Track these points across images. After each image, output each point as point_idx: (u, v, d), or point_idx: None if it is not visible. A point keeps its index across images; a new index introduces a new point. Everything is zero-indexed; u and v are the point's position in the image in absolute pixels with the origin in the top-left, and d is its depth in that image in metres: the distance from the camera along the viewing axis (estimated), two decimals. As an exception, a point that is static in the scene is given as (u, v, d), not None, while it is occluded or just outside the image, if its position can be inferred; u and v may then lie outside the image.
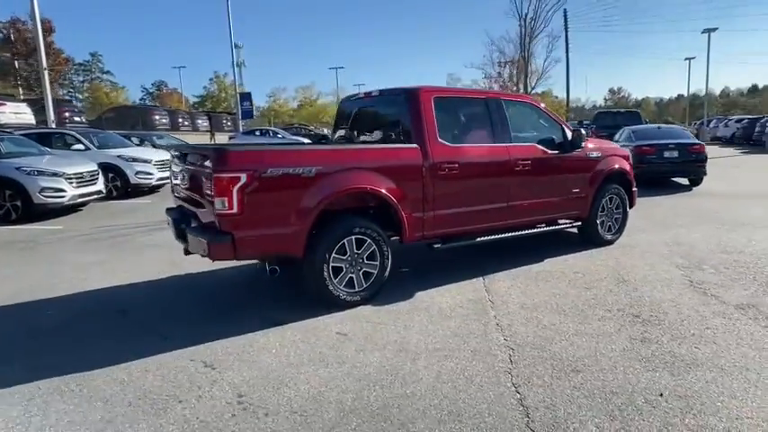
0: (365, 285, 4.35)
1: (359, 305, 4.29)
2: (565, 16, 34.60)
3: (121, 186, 11.49)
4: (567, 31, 34.01)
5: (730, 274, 4.99)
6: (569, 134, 5.73)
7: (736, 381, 2.96)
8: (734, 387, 2.89)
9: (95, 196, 9.91)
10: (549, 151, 5.51)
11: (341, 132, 5.80)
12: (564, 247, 6.09)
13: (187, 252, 4.60)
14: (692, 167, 11.41)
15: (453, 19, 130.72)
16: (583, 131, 5.76)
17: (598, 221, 6.16)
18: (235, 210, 3.70)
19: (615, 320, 3.90)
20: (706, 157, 11.47)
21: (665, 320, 3.87)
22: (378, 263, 4.39)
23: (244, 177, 3.70)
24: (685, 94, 59.64)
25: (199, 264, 5.64)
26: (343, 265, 4.23)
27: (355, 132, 5.53)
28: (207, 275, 5.39)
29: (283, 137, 27.22)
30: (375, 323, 3.96)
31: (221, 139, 28.28)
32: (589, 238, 6.21)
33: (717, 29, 37.45)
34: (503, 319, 3.99)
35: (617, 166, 6.25)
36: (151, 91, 68.45)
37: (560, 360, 3.28)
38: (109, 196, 10.78)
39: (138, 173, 11.53)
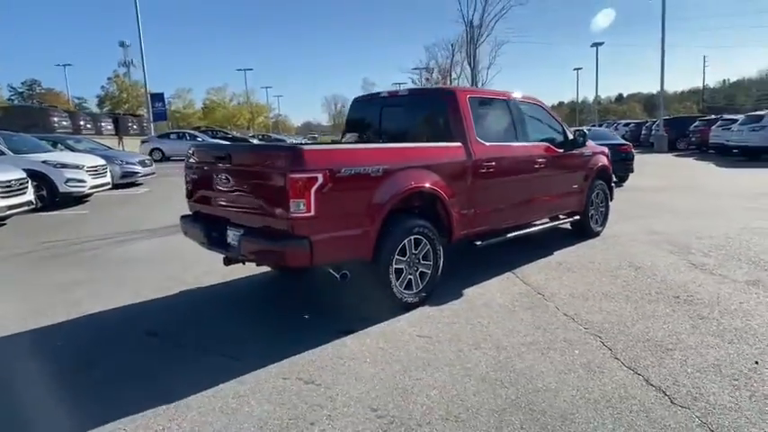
0: (421, 286, 4.26)
1: (418, 306, 4.20)
2: (471, 26, 36.77)
3: (48, 196, 10.13)
4: (468, 45, 36.40)
5: (717, 256, 5.58)
6: (569, 134, 6.08)
7: (804, 346, 3.34)
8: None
9: (25, 208, 8.62)
10: (557, 150, 5.80)
11: (354, 133, 5.63)
12: (560, 240, 6.43)
13: (229, 262, 4.20)
14: (621, 166, 12.57)
15: (372, 22, 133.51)
16: (586, 131, 6.13)
17: (589, 215, 6.60)
18: (312, 212, 3.45)
19: (663, 303, 4.20)
20: (633, 156, 12.73)
21: (703, 299, 4.24)
22: (431, 263, 4.33)
23: (320, 178, 3.46)
24: (565, 102, 65.37)
25: (201, 276, 5.25)
26: (403, 267, 4.11)
27: (379, 132, 5.40)
28: (221, 288, 4.98)
29: (203, 140, 25.78)
30: (447, 323, 3.90)
31: (132, 144, 25.98)
32: (582, 231, 6.62)
33: (603, 43, 41.77)
34: (565, 309, 4.13)
35: (602, 162, 6.74)
36: (21, 90, 61.34)
37: (648, 341, 3.46)
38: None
39: (68, 180, 10.24)
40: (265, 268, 5.26)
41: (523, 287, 4.71)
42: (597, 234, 6.73)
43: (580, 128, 7.50)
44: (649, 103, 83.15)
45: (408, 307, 4.13)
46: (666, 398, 2.75)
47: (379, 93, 5.61)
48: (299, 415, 2.70)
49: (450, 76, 21.02)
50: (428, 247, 4.28)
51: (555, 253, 5.91)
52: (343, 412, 2.71)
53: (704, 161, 19.25)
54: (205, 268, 5.39)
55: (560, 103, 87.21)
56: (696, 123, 25.13)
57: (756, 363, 3.11)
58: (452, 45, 18.02)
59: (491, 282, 4.87)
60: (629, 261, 5.48)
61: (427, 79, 23.65)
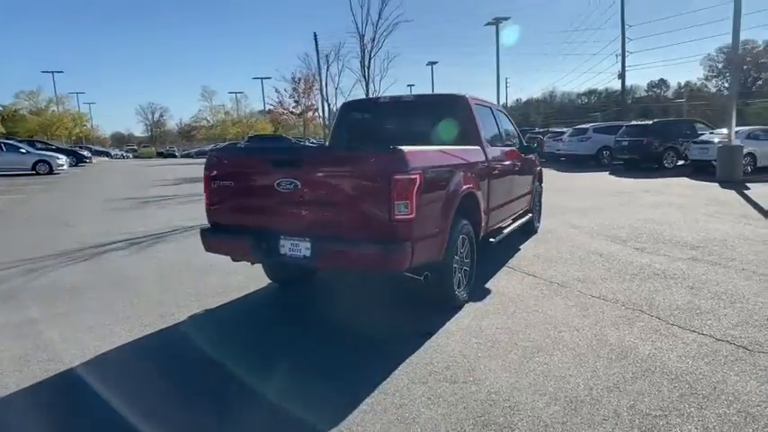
0: (465, 283, 4.44)
1: (465, 303, 4.37)
2: (315, 40, 37.50)
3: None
4: (318, 53, 37.06)
5: (646, 242, 6.74)
6: (523, 140, 6.82)
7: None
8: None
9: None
10: (521, 153, 6.47)
11: (346, 136, 5.55)
12: (508, 238, 7.13)
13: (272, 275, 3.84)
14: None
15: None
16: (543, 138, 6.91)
17: (534, 213, 7.44)
18: (413, 214, 3.42)
19: (651, 279, 5.01)
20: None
21: (675, 274, 5.13)
22: (470, 260, 4.53)
23: (418, 179, 3.45)
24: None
25: (204, 295, 4.74)
26: (456, 265, 4.25)
27: (379, 137, 5.39)
28: (236, 305, 4.52)
29: (27, 151, 21.85)
30: (506, 314, 4.13)
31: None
32: (527, 228, 7.41)
33: (437, 62, 45.87)
34: (587, 291, 4.67)
35: (539, 166, 7.66)
36: None
37: (674, 307, 4.16)
38: None
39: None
40: (249, 286, 4.89)
41: (532, 278, 5.17)
42: (536, 230, 7.60)
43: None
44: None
45: (460, 305, 4.27)
46: (716, 339, 3.40)
47: (378, 98, 5.63)
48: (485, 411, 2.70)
49: (320, 85, 21.11)
50: (469, 246, 4.48)
51: (520, 248, 6.54)
52: (527, 400, 2.79)
53: (544, 168, 22.54)
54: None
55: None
56: (528, 135, 29.31)
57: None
58: (327, 56, 18.29)
59: (499, 276, 5.25)
60: (587, 250, 6.35)
61: (294, 89, 23.52)
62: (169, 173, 24.61)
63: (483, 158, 4.86)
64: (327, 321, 4.21)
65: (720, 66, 73.17)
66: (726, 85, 72.75)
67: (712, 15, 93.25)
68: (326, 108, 17.44)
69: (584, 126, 23.05)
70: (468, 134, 4.95)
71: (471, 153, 4.65)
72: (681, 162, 18.49)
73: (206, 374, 3.25)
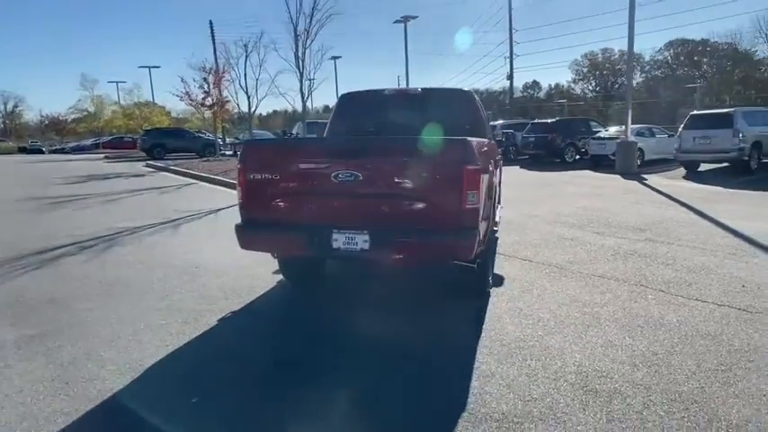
0: (491, 270, 4.69)
1: (489, 292, 4.61)
2: (211, 27, 35.63)
3: None
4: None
5: (599, 227, 7.52)
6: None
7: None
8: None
9: None
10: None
11: (345, 127, 5.52)
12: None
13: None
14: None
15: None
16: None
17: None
18: (480, 203, 3.56)
19: (632, 258, 5.64)
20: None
21: (646, 253, 5.81)
22: (492, 251, 4.79)
23: (482, 169, 3.60)
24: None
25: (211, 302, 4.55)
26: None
27: (381, 128, 5.41)
28: (265, 304, 4.37)
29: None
30: (536, 297, 4.44)
31: None
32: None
33: (341, 56, 45.66)
34: (587, 271, 5.16)
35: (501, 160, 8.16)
36: None
37: (660, 281, 4.76)
38: None
39: None
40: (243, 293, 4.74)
41: (530, 263, 5.57)
42: (500, 220, 8.12)
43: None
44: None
45: (486, 294, 4.49)
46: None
47: (383, 90, 5.60)
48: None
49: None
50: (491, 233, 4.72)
51: (496, 236, 6.97)
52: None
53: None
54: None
55: (275, 112, 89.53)
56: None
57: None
58: (246, 45, 17.37)
59: (500, 263, 5.58)
60: (556, 236, 6.93)
61: (204, 79, 22.08)
62: (57, 171, 21.97)
63: (495, 150, 5.14)
64: (371, 317, 4.21)
65: (585, 70, 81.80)
66: (590, 87, 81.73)
67: (580, 26, 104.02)
68: (247, 100, 16.69)
69: (491, 123, 24.61)
70: (476, 128, 5.18)
71: (492, 146, 4.89)
72: (578, 156, 20.54)
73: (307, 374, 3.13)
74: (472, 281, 4.35)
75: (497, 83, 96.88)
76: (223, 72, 22.29)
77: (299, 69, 13.35)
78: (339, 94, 5.89)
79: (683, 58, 70.52)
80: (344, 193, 3.66)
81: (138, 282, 5.12)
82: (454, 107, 5.38)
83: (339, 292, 4.98)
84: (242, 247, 3.99)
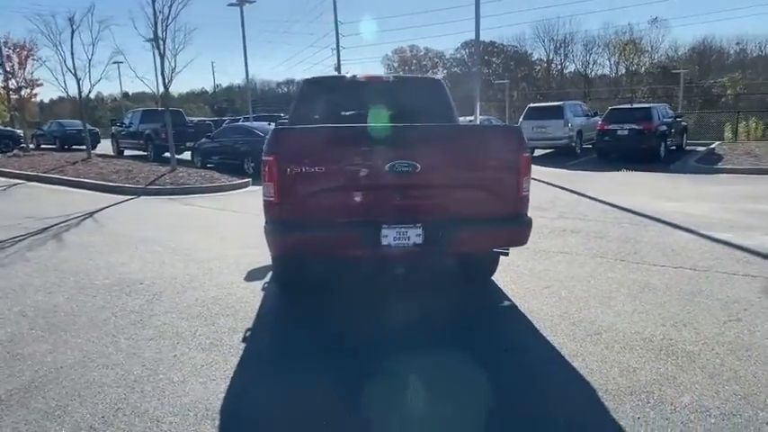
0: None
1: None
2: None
3: None
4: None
5: (565, 214, 8.26)
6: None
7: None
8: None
9: None
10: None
11: (313, 114, 5.08)
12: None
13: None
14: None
15: None
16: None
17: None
18: (529, 191, 3.62)
19: (605, 239, 6.34)
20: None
21: (613, 236, 6.52)
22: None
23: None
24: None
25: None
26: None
27: (351, 116, 5.08)
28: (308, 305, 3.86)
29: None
30: (552, 278, 4.73)
31: None
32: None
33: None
34: (552, 248, 5.64)
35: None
36: None
37: (629, 255, 5.48)
38: None
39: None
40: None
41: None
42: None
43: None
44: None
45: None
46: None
47: (350, 76, 5.21)
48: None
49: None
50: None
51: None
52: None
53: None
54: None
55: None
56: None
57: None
58: (71, 18, 14.03)
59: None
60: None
61: (8, 57, 17.50)
62: None
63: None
64: (404, 311, 4.01)
65: (396, 65, 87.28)
66: None
67: (399, 23, 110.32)
68: (77, 84, 13.62)
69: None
70: (450, 117, 5.22)
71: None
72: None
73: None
74: (484, 267, 4.43)
75: (330, 72, 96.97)
76: (29, 49, 18.18)
77: (159, 50, 11.58)
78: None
79: (476, 56, 79.82)
80: (398, 185, 3.39)
81: (81, 311, 4.00)
82: (426, 95, 5.33)
83: (350, 293, 4.58)
84: (276, 252, 3.43)
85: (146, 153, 18.37)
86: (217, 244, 6.13)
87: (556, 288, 4.38)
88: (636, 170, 12.75)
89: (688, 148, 16.97)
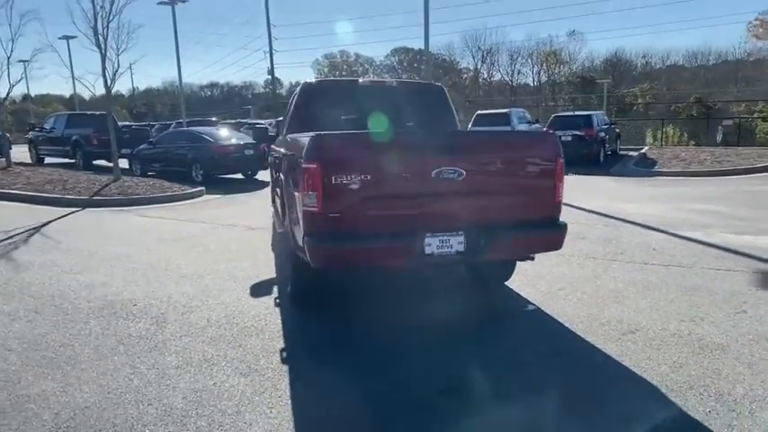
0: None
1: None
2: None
3: None
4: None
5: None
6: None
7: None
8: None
9: None
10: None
11: (307, 116, 4.90)
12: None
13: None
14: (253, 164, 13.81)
15: None
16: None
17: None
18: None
19: (588, 240, 6.54)
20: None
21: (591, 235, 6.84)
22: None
23: (562, 161, 3.72)
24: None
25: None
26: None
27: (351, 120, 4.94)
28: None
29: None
30: (561, 275, 4.82)
31: None
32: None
33: (76, 36, 38.29)
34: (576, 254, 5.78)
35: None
36: None
37: (620, 254, 5.74)
38: None
39: None
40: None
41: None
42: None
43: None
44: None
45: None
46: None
47: (356, 80, 5.05)
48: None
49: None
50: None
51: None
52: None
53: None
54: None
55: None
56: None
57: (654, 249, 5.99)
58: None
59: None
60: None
61: None
62: None
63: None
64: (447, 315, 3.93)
65: (326, 70, 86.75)
66: None
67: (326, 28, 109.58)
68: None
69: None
70: (452, 123, 5.22)
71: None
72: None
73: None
74: (501, 272, 4.46)
75: (258, 76, 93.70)
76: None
77: (99, 48, 10.65)
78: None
79: (405, 64, 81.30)
80: (442, 192, 3.31)
81: (77, 340, 3.54)
82: (430, 99, 5.28)
83: (369, 303, 4.41)
84: (318, 266, 3.23)
85: (72, 161, 16.86)
86: (199, 258, 5.71)
87: (569, 290, 4.49)
88: (582, 174, 13.49)
89: (621, 152, 18.23)
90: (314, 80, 5.22)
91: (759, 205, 8.59)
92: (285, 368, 3.12)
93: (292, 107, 4.96)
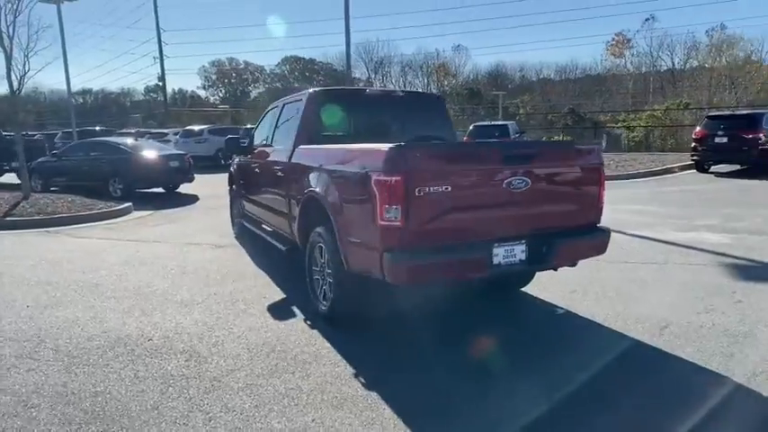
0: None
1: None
2: None
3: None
4: None
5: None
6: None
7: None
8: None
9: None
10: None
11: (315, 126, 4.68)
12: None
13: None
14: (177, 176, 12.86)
15: None
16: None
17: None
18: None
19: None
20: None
21: None
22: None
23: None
24: None
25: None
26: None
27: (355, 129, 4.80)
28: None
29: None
30: (574, 276, 5.00)
31: None
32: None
33: None
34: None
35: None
36: None
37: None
38: None
39: None
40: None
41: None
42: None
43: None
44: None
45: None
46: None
47: (363, 89, 4.82)
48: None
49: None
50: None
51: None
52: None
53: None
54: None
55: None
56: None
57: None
58: None
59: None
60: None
61: None
62: None
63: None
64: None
65: (214, 77, 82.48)
66: (220, 94, 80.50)
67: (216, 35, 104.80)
68: None
69: (197, 128, 22.94)
70: (451, 133, 5.27)
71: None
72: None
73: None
74: (522, 278, 4.57)
75: (146, 82, 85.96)
76: None
77: (3, 49, 9.15)
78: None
79: (297, 73, 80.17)
80: (510, 202, 3.33)
81: (105, 386, 2.99)
82: (430, 109, 5.27)
83: (407, 320, 4.22)
84: (400, 282, 3.09)
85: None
86: (183, 282, 5.13)
87: (581, 291, 4.72)
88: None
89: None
90: (319, 89, 4.94)
91: (684, 204, 9.68)
92: (374, 395, 2.91)
93: (300, 117, 4.65)
